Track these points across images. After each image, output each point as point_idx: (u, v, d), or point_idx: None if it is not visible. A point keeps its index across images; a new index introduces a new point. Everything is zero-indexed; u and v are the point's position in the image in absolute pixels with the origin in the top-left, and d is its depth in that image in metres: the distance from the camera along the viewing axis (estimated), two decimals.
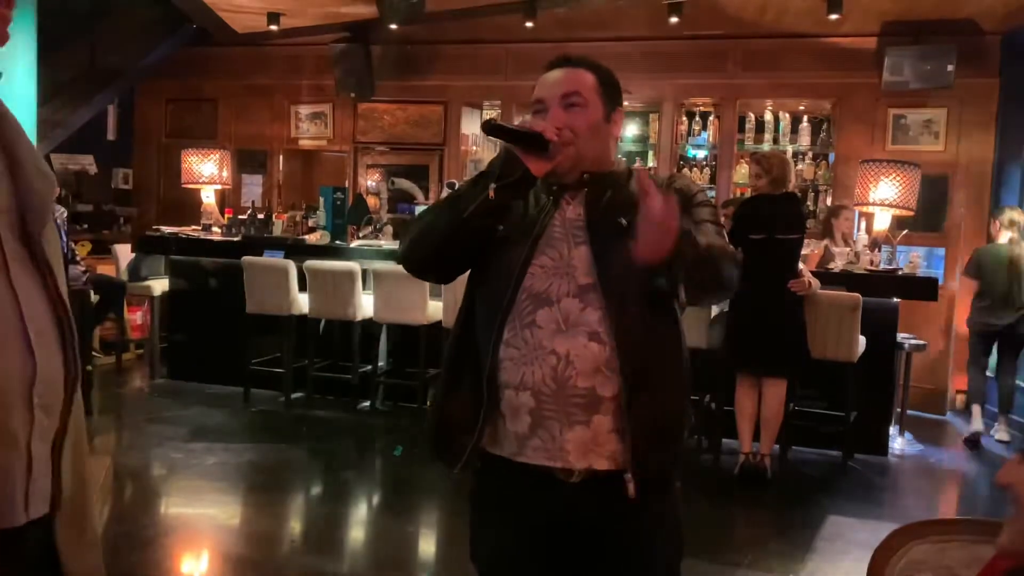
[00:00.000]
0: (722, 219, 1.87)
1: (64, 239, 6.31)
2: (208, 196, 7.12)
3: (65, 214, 6.45)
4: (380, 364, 5.72)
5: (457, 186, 1.84)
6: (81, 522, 1.20)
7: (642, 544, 1.58)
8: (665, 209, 1.37)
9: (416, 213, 5.88)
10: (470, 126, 7.63)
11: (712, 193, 6.70)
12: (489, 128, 1.51)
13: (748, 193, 5.56)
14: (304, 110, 8.06)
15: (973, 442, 5.46)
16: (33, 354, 1.09)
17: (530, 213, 1.60)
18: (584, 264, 1.54)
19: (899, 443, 5.41)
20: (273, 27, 7.08)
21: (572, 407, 1.49)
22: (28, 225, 1.12)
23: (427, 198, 7.12)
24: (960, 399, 6.42)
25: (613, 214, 1.55)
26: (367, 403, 5.63)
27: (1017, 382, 5.71)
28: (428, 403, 5.65)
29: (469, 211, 1.54)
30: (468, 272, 1.67)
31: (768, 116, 7.16)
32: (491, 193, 1.53)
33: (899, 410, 5.53)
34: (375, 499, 4.40)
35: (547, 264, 1.55)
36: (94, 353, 6.10)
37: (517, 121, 1.59)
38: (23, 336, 1.08)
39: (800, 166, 6.99)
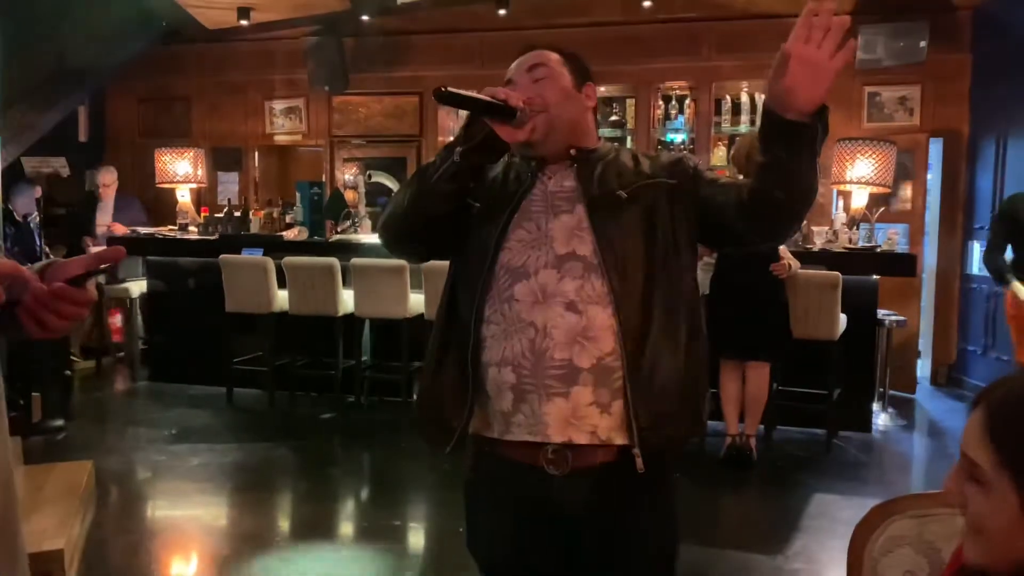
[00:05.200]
0: None
1: (40, 243, 6.26)
2: (183, 195, 7.05)
3: (38, 218, 6.38)
4: (363, 359, 5.69)
5: None
6: (5, 542, 1.15)
7: (634, 536, 1.55)
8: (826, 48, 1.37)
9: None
10: (447, 117, 7.59)
11: None
12: (441, 96, 1.45)
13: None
14: (278, 105, 7.98)
15: None
16: None
17: (508, 189, 1.60)
18: (563, 234, 1.52)
19: (882, 419, 5.44)
20: (243, 22, 7.00)
21: (550, 379, 1.46)
22: None
23: None
24: (941, 373, 6.46)
25: (609, 187, 1.55)
26: (351, 398, 5.60)
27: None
28: (415, 395, 5.63)
29: (436, 175, 1.54)
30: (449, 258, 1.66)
31: (744, 98, 7.14)
32: (456, 156, 1.52)
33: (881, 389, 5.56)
34: (361, 495, 4.38)
35: (524, 237, 1.54)
36: (73, 358, 6.02)
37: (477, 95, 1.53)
38: None
39: None
